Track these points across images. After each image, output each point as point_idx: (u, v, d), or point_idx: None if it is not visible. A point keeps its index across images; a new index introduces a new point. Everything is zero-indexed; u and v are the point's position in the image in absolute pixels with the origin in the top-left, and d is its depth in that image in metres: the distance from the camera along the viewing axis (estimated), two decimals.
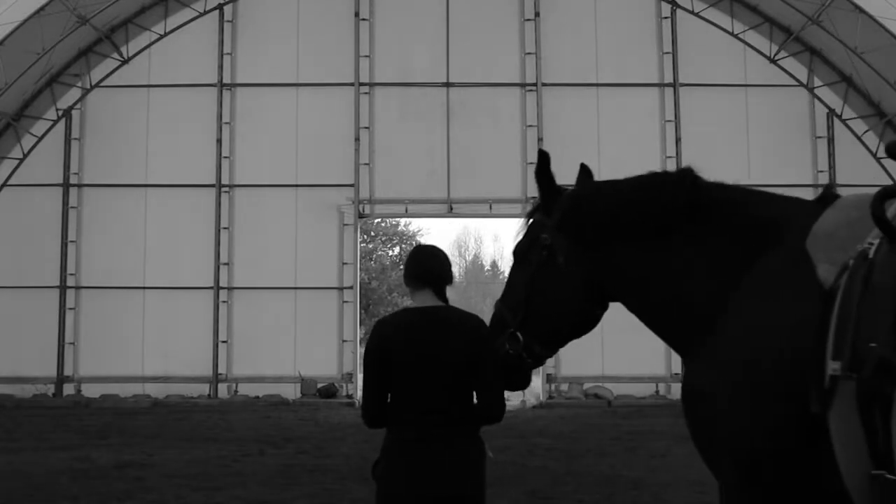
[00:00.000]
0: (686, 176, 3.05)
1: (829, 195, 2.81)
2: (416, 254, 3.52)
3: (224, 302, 19.97)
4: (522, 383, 3.44)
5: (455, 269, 3.61)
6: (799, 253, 2.61)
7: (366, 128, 20.45)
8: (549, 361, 20.32)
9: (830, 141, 20.44)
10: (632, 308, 3.21)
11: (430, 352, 3.21)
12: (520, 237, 3.47)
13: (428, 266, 3.40)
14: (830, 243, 2.60)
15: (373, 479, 3.32)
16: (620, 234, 3.09)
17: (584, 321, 3.32)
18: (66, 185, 20.20)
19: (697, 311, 2.84)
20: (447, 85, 20.51)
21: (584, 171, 3.47)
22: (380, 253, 45.62)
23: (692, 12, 20.74)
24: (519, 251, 3.42)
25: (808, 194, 20.10)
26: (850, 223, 2.63)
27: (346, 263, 20.09)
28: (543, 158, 3.38)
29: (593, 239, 3.16)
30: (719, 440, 2.63)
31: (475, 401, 3.32)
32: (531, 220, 3.45)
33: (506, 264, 45.87)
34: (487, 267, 65.65)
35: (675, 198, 3.00)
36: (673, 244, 2.98)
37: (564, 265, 3.21)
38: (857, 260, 2.47)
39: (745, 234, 2.83)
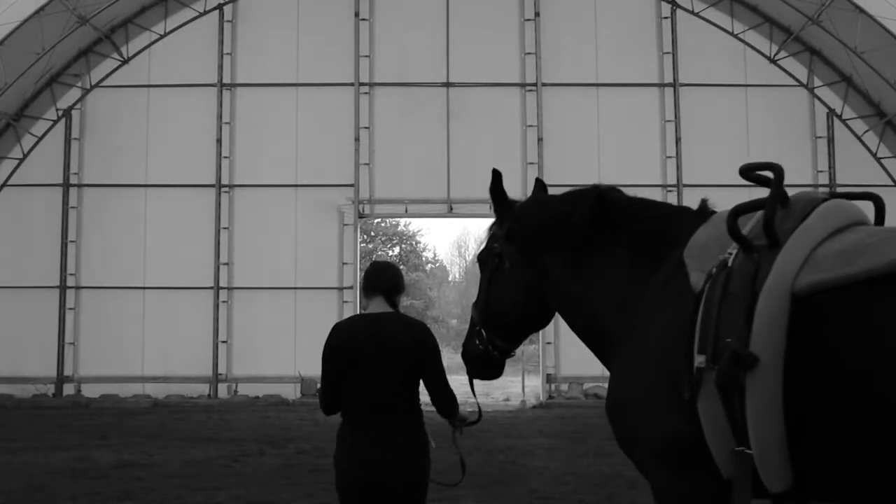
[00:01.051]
0: (591, 192, 3.49)
1: (705, 208, 3.21)
2: (370, 268, 4.04)
3: (224, 302, 19.98)
4: (493, 374, 3.85)
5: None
6: (679, 263, 3.01)
7: (366, 128, 20.45)
8: (549, 361, 20.34)
9: (830, 141, 20.45)
10: (563, 317, 3.61)
11: (376, 352, 3.67)
12: (482, 246, 3.91)
13: (378, 277, 3.92)
14: (702, 254, 2.98)
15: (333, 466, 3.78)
16: (548, 244, 3.53)
17: (536, 318, 3.77)
18: (65, 185, 20.21)
19: (607, 323, 3.24)
20: (447, 85, 20.52)
21: (539, 185, 3.99)
22: (380, 253, 45.62)
23: (692, 12, 20.75)
24: (480, 259, 3.89)
25: None
26: (719, 236, 2.94)
27: (346, 263, 20.10)
28: (496, 176, 3.91)
29: (530, 247, 3.61)
30: (639, 443, 2.96)
31: (426, 396, 3.78)
32: (490, 232, 3.89)
33: None
34: None
35: (581, 213, 3.45)
36: (590, 256, 3.39)
37: (510, 270, 3.68)
38: (719, 268, 2.86)
39: (646, 246, 3.20)
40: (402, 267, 46.87)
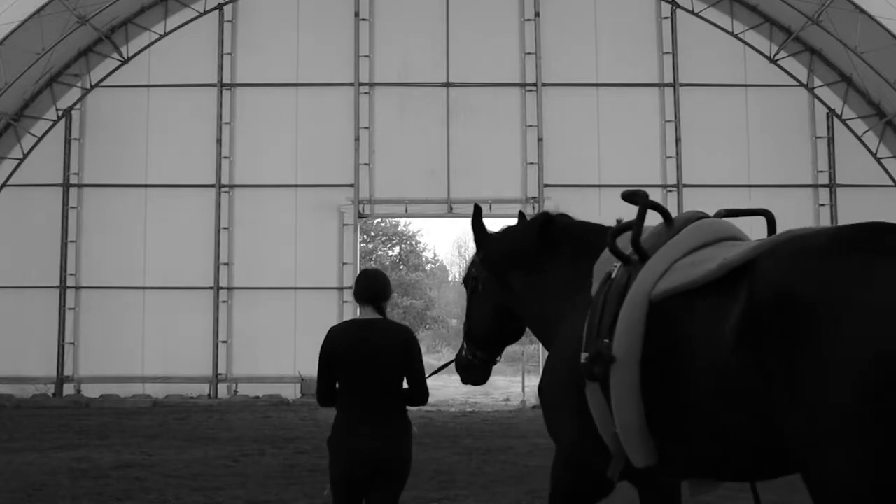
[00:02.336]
0: (536, 221, 4.20)
1: (622, 225, 3.68)
2: (359, 277, 4.55)
3: (224, 302, 19.97)
4: (478, 381, 4.64)
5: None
6: (588, 275, 3.65)
7: (366, 128, 20.45)
8: None
9: (830, 141, 20.44)
10: (527, 325, 4.33)
11: (364, 353, 4.23)
12: (465, 272, 4.73)
13: (366, 286, 4.44)
14: (601, 268, 3.57)
15: (326, 448, 4.33)
16: (511, 266, 4.24)
17: (506, 332, 4.50)
18: (66, 185, 20.21)
19: (550, 328, 3.88)
20: (447, 85, 20.52)
21: (520, 216, 4.56)
22: (380, 253, 45.61)
23: (692, 12, 20.74)
24: (464, 282, 4.70)
25: (808, 194, 20.02)
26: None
27: (346, 263, 20.09)
28: (477, 210, 4.61)
29: (499, 270, 4.32)
30: (550, 420, 3.71)
31: (405, 388, 4.38)
32: (473, 259, 4.65)
33: None
34: None
35: (528, 238, 4.16)
36: (541, 272, 4.06)
37: (483, 292, 4.44)
38: (604, 279, 3.48)
39: (579, 262, 3.79)
40: (401, 267, 46.88)
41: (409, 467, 4.28)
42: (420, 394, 4.38)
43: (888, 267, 2.47)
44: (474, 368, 4.56)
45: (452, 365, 4.77)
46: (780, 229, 3.23)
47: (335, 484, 4.23)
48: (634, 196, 3.53)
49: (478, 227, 4.60)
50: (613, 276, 3.41)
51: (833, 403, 2.43)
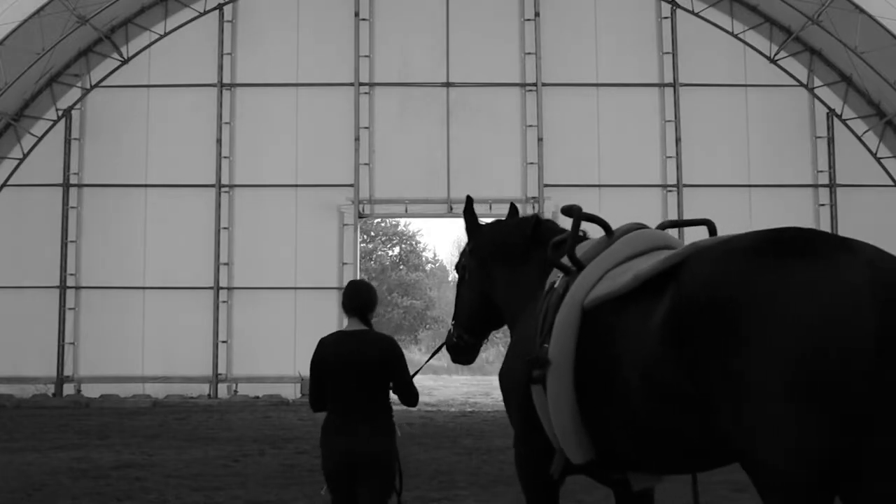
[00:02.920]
0: (530, 219, 4.48)
1: (560, 238, 3.99)
2: (347, 288, 4.86)
3: (224, 302, 19.97)
4: (466, 361, 5.00)
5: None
6: (544, 280, 3.95)
7: (366, 128, 20.45)
8: None
9: (830, 141, 20.44)
10: (503, 315, 4.62)
11: (350, 363, 4.58)
12: (457, 260, 5.05)
13: (352, 297, 4.77)
14: (553, 276, 3.85)
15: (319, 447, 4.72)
16: (497, 258, 4.52)
17: (490, 319, 4.80)
18: (66, 185, 20.21)
19: (517, 323, 4.21)
20: (447, 85, 20.52)
21: (511, 209, 4.89)
22: (380, 253, 45.62)
23: (692, 12, 20.74)
24: (455, 268, 5.02)
25: (808, 194, 19.97)
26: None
27: (346, 263, 20.10)
28: (469, 202, 4.89)
29: (486, 261, 4.61)
30: (507, 406, 4.06)
31: (393, 393, 4.72)
32: (464, 248, 4.94)
33: None
34: None
35: (517, 234, 4.46)
36: (523, 269, 4.31)
37: (470, 279, 4.75)
38: (549, 288, 3.78)
39: (544, 265, 4.02)
40: (401, 267, 46.78)
41: (393, 464, 4.62)
42: (409, 396, 4.73)
43: (805, 268, 2.63)
44: (462, 350, 4.92)
45: (446, 352, 5.12)
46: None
47: (328, 479, 4.64)
48: (570, 210, 3.83)
49: (470, 217, 4.86)
50: (556, 284, 3.72)
51: (761, 396, 2.61)
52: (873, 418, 2.49)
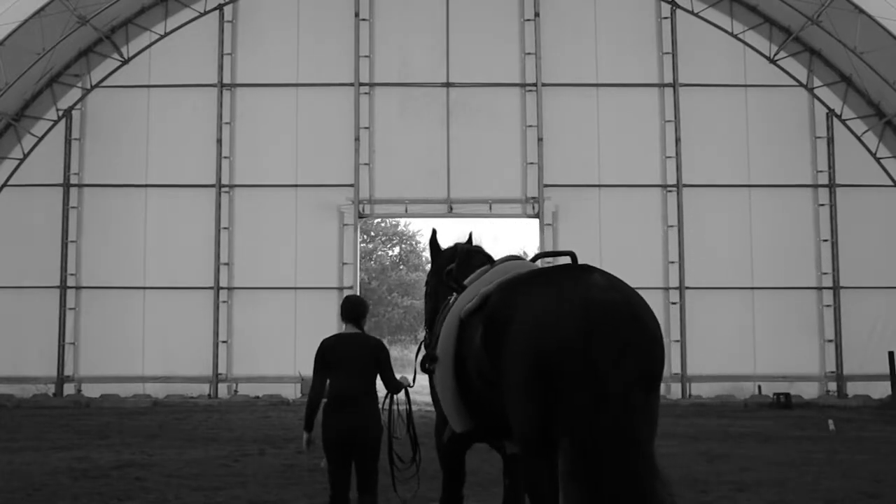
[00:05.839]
0: (458, 248, 5.79)
1: (450, 267, 5.59)
2: (344, 302, 6.05)
3: (224, 302, 19.98)
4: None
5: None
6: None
7: (366, 128, 20.45)
8: None
9: (830, 141, 20.44)
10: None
11: (347, 357, 5.73)
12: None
13: (349, 309, 5.96)
14: (452, 294, 5.24)
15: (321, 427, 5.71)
16: (440, 279, 5.61)
17: None
18: (66, 185, 20.21)
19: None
20: (447, 85, 20.52)
21: (470, 236, 6.02)
22: (380, 253, 45.64)
23: (692, 12, 20.75)
24: (426, 286, 6.17)
25: (808, 194, 19.96)
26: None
27: (346, 263, 20.10)
28: (433, 233, 6.12)
29: (437, 282, 5.77)
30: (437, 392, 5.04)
31: (380, 382, 5.82)
32: (430, 270, 6.18)
33: None
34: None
35: (447, 261, 5.70)
36: (445, 289, 5.50)
37: (431, 293, 5.93)
38: (446, 303, 5.23)
39: (481, 276, 5.10)
40: (401, 267, 46.74)
41: (377, 440, 5.72)
42: (392, 386, 5.87)
43: (541, 293, 3.97)
44: (430, 354, 5.51)
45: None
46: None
47: (327, 450, 5.68)
48: (469, 243, 5.73)
49: (433, 244, 6.11)
50: (450, 301, 5.12)
51: (511, 381, 3.92)
52: (576, 388, 3.62)
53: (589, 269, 4.02)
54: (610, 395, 3.55)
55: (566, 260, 4.61)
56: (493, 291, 4.42)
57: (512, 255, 5.27)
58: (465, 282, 5.02)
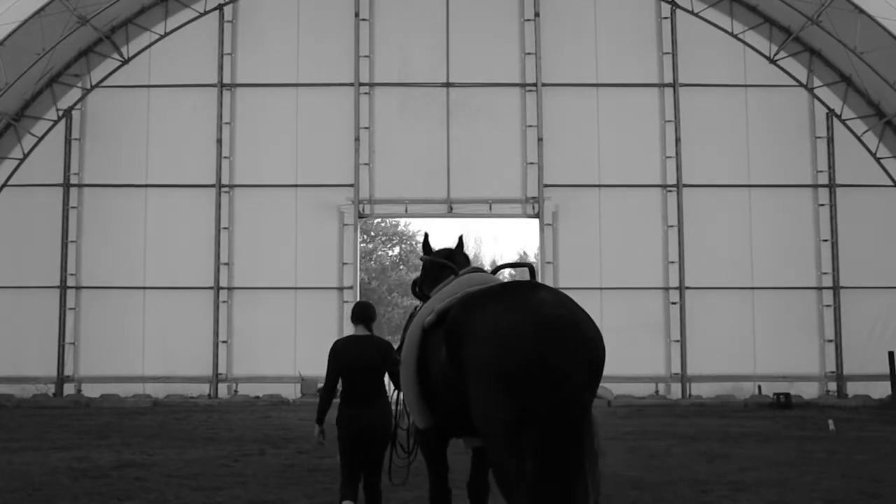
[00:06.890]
0: (448, 250, 6.16)
1: (416, 278, 6.15)
2: (355, 307, 6.48)
3: (224, 302, 19.98)
4: None
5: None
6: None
7: (366, 128, 20.46)
8: None
9: (830, 141, 20.45)
10: None
11: (358, 358, 6.16)
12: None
13: (359, 313, 6.39)
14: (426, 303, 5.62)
15: (335, 426, 6.14)
16: (429, 279, 5.95)
17: None
18: (66, 185, 20.21)
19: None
20: (447, 85, 20.53)
21: (460, 240, 6.28)
22: (380, 253, 45.64)
23: (692, 12, 20.75)
24: (412, 290, 6.42)
25: (808, 194, 19.95)
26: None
27: (346, 263, 20.11)
28: (426, 237, 6.36)
29: (423, 279, 6.06)
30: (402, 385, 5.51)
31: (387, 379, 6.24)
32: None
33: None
34: (487, 267, 65.69)
35: (440, 265, 5.90)
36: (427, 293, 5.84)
37: (419, 295, 6.06)
38: (412, 311, 5.72)
39: (443, 287, 5.48)
40: (401, 267, 46.67)
41: (389, 434, 6.13)
42: (396, 384, 6.09)
43: (494, 309, 4.41)
44: None
45: None
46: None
47: (341, 441, 6.11)
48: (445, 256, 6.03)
49: (425, 248, 6.35)
50: (417, 308, 5.61)
51: (478, 389, 4.30)
52: (533, 391, 4.08)
53: (537, 287, 4.60)
54: (567, 396, 4.15)
55: (526, 271, 5.27)
56: (451, 306, 4.86)
57: (475, 268, 5.78)
58: (431, 293, 5.51)
